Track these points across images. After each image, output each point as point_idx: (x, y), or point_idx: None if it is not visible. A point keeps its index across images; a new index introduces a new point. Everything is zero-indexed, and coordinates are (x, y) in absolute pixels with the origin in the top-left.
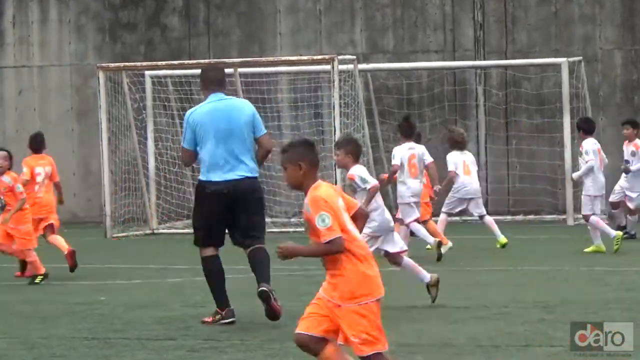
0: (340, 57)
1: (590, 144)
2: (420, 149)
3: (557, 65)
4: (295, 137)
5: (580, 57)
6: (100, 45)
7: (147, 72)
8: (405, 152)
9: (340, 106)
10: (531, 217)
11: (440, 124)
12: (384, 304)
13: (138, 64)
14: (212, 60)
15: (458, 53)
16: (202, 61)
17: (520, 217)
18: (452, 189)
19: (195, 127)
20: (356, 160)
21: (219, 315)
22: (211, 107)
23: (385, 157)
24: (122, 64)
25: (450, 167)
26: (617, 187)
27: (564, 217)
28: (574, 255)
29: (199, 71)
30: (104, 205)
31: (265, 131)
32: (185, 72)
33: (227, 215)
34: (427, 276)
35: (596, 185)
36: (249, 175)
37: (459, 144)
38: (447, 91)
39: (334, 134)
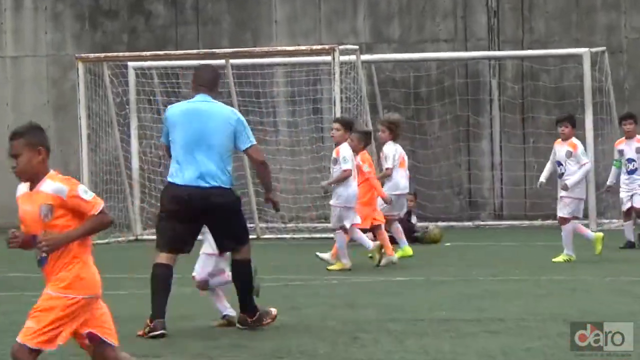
0: (342, 47)
1: (581, 144)
2: None
3: (579, 56)
4: (291, 135)
5: (604, 48)
6: (79, 34)
7: (130, 63)
8: (351, 153)
9: (342, 101)
10: (550, 222)
11: (450, 120)
12: (387, 316)
13: (120, 54)
14: (202, 51)
15: (470, 43)
16: (190, 51)
17: (538, 222)
18: (390, 187)
19: (167, 124)
20: None
21: (147, 328)
22: (189, 106)
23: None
24: (102, 55)
25: (390, 163)
26: (624, 195)
27: (586, 222)
28: (596, 264)
29: (186, 62)
30: None
31: (252, 143)
32: (171, 64)
33: (189, 223)
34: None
35: (583, 188)
36: (216, 184)
37: (399, 134)
38: (459, 84)
39: None
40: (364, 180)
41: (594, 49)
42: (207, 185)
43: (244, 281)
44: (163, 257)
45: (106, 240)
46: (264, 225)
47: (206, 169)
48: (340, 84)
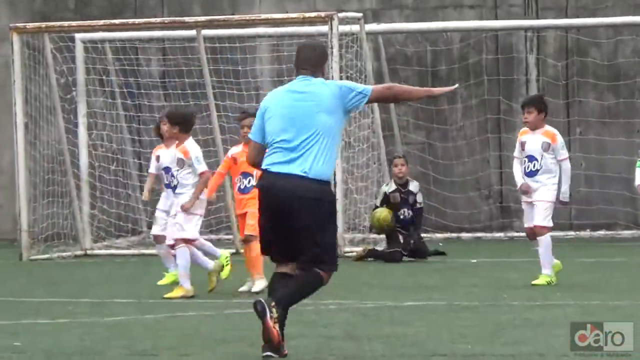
0: (342, 14)
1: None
2: None
3: (637, 25)
4: None
5: None
6: None
7: (77, 35)
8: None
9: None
10: (601, 232)
11: (477, 106)
12: (397, 350)
13: (65, 23)
14: (167, 19)
15: (501, 9)
16: (152, 20)
17: (586, 233)
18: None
19: (264, 112)
20: None
21: None
22: (287, 88)
23: (401, 150)
24: (43, 24)
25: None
26: None
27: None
28: None
29: (148, 34)
30: (19, 217)
31: (368, 92)
32: (129, 35)
33: (275, 220)
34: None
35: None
36: (307, 175)
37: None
38: (487, 61)
39: None
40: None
41: None
42: (298, 172)
43: (302, 286)
44: (277, 266)
45: (47, 255)
46: None
47: (302, 154)
48: (340, 61)
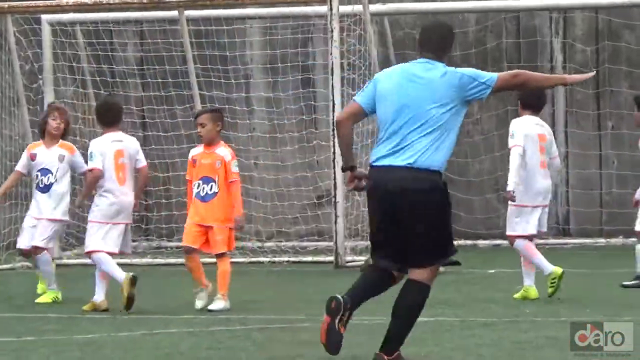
0: None
1: (522, 125)
2: (132, 143)
3: None
4: (271, 116)
5: None
6: None
7: (44, 17)
8: (108, 147)
9: (343, 69)
10: (635, 239)
11: (495, 97)
12: None
13: (31, 3)
14: None
15: None
16: (129, 0)
17: (618, 240)
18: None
19: (376, 82)
20: None
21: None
22: (404, 68)
23: None
24: (6, 4)
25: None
26: None
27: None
28: None
29: (124, 15)
30: None
31: (493, 82)
32: (103, 17)
33: (389, 220)
34: None
35: (529, 191)
36: (416, 165)
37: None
38: (507, 46)
39: (332, 110)
40: (230, 185)
41: None
42: (403, 164)
43: (409, 309)
44: (377, 263)
45: (10, 265)
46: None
47: (408, 145)
48: (341, 46)
